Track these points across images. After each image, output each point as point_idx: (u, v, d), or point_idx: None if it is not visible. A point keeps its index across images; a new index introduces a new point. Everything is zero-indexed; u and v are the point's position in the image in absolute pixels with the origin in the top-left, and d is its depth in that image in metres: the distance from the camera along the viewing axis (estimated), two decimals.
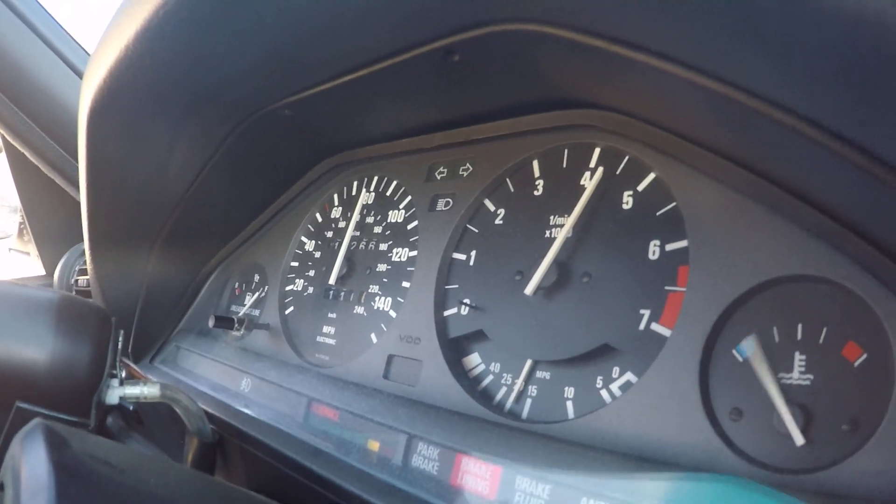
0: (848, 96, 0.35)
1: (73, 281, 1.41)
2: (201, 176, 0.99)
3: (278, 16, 0.60)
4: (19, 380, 0.73)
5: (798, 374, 0.51)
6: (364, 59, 0.69)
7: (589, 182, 0.71)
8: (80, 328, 0.79)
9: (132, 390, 0.83)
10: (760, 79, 0.39)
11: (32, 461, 0.47)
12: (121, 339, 0.85)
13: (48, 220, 1.57)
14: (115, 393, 0.83)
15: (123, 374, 0.85)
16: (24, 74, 1.28)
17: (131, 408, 1.16)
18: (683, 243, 0.61)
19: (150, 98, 0.77)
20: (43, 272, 1.61)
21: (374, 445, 0.71)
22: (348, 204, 1.05)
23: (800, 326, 0.53)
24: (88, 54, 1.36)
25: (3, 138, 1.43)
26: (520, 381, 0.70)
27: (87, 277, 1.18)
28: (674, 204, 0.64)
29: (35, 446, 0.48)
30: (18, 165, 1.48)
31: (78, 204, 1.04)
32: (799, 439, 0.48)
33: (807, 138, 0.39)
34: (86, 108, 0.77)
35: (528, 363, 0.70)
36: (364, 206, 1.00)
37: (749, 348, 0.54)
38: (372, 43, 0.66)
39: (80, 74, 1.33)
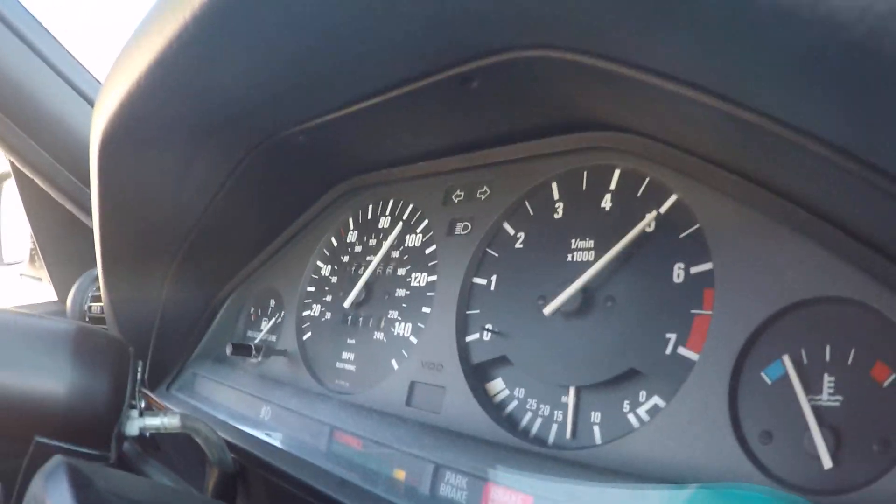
0: (878, 125, 0.35)
1: (86, 307, 1.41)
2: (215, 201, 0.99)
3: (295, 46, 0.60)
4: (37, 414, 0.72)
5: (827, 396, 0.51)
6: (381, 85, 0.69)
7: (609, 204, 0.71)
8: (98, 360, 0.79)
9: (152, 421, 0.83)
10: (790, 108, 0.39)
11: (55, 494, 0.46)
12: (139, 368, 0.84)
13: (60, 245, 1.56)
14: (136, 424, 0.82)
15: (143, 405, 0.84)
16: (34, 102, 1.27)
17: (148, 434, 1.16)
18: (708, 266, 0.61)
19: (163, 127, 0.77)
20: (55, 298, 1.61)
21: (401, 475, 0.71)
22: (364, 228, 1.05)
23: (828, 348, 0.52)
24: (98, 81, 1.37)
25: (13, 164, 1.43)
26: (548, 407, 0.70)
27: (101, 304, 1.18)
28: (697, 226, 0.63)
29: (59, 487, 0.48)
30: (28, 191, 1.48)
31: (90, 228, 1.03)
32: (827, 462, 0.48)
33: (835, 165, 0.39)
34: (97, 137, 0.77)
35: (559, 389, 0.69)
36: (382, 231, 1.00)
37: (778, 371, 0.54)
38: (389, 70, 0.66)
39: (90, 102, 1.33)
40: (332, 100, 0.75)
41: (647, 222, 0.66)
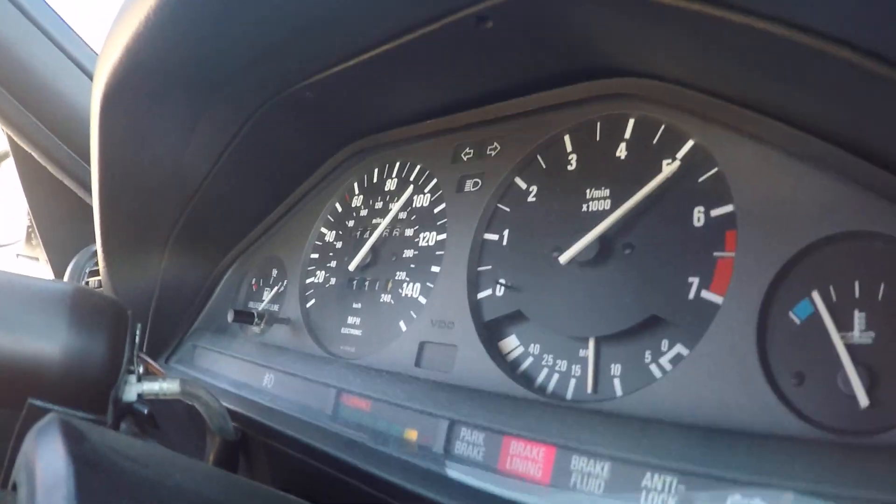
0: None
1: (83, 283, 1.39)
2: (217, 167, 0.97)
3: None
4: (31, 375, 0.70)
5: (859, 333, 0.49)
6: (396, 29, 0.68)
7: (624, 153, 0.69)
8: (96, 321, 0.76)
9: (151, 386, 0.80)
10: (820, 13, 0.38)
11: (48, 456, 0.43)
12: (138, 332, 0.82)
13: (57, 225, 1.56)
14: (133, 389, 0.80)
15: (141, 370, 0.82)
16: (33, 75, 1.27)
17: (146, 411, 1.13)
18: (729, 208, 0.60)
19: (169, 78, 0.75)
20: (52, 277, 1.60)
21: (413, 434, 0.69)
22: (370, 192, 1.03)
23: (857, 284, 0.51)
24: (97, 55, 1.35)
25: (11, 141, 1.42)
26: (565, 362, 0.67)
27: (98, 279, 1.16)
28: (716, 169, 0.62)
29: (51, 440, 0.45)
30: (26, 169, 1.48)
31: (87, 206, 1.02)
32: (864, 400, 0.47)
33: (865, 73, 0.38)
34: (100, 90, 0.75)
35: (576, 343, 0.67)
36: (388, 193, 0.98)
37: (807, 310, 0.52)
38: (404, 11, 0.64)
39: (89, 75, 1.32)
40: (342, 47, 0.74)
41: (670, 171, 0.64)
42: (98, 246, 1.03)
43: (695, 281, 0.60)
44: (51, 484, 0.40)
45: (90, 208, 1.01)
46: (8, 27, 1.23)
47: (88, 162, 0.91)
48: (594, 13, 0.57)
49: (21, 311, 0.73)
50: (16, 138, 1.37)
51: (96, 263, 1.28)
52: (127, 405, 0.84)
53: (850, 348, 0.49)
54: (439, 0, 0.61)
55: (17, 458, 0.48)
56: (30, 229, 1.74)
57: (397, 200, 0.95)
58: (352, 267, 0.94)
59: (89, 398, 0.74)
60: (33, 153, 1.37)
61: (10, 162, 1.57)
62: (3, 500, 0.47)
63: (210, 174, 0.98)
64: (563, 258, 0.68)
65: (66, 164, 1.36)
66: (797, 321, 0.53)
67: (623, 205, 0.66)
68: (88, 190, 1.40)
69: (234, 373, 1.00)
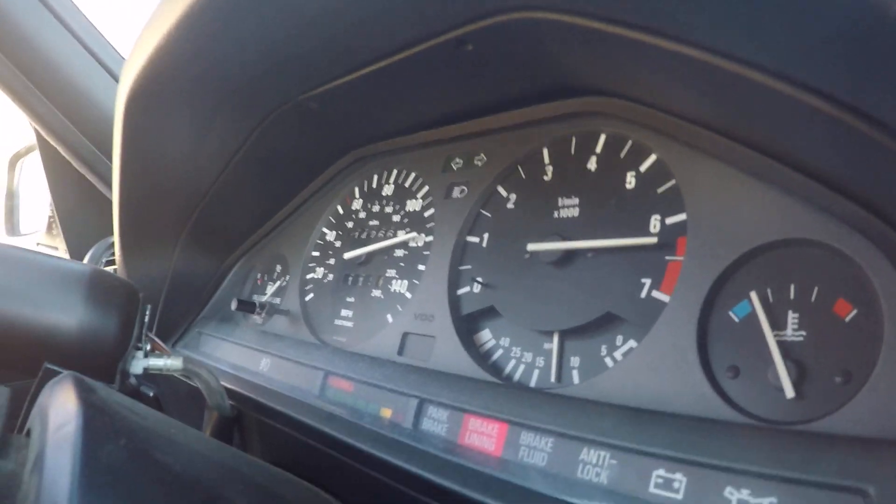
0: (843, 63, 0.38)
1: None
2: (228, 169, 1.04)
3: (309, 9, 0.65)
4: (49, 343, 0.77)
5: (792, 331, 0.54)
6: (385, 50, 0.74)
7: (594, 166, 0.76)
8: (110, 299, 0.83)
9: (156, 362, 0.87)
10: (761, 50, 0.42)
11: (61, 399, 0.48)
12: (147, 313, 0.89)
13: (77, 216, 1.62)
14: (140, 364, 0.86)
15: (148, 348, 0.89)
16: (63, 75, 1.34)
17: (152, 394, 1.20)
18: (682, 216, 0.64)
19: (187, 86, 0.81)
20: None
21: (387, 412, 0.74)
22: (369, 196, 1.09)
23: (792, 287, 0.55)
24: (123, 58, 1.43)
25: (38, 135, 1.50)
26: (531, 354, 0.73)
27: (113, 269, 1.23)
28: (673, 181, 0.67)
29: (64, 389, 0.50)
30: (51, 162, 1.54)
31: (106, 200, 1.08)
32: (790, 392, 0.51)
33: (802, 105, 0.42)
34: (125, 92, 0.82)
35: (542, 336, 0.73)
36: (385, 198, 1.05)
37: (745, 309, 0.57)
38: (390, 35, 0.71)
39: (115, 78, 1.40)
40: (340, 64, 0.80)
41: (633, 183, 0.71)
42: (115, 237, 1.10)
43: (647, 282, 0.65)
44: (61, 421, 0.45)
45: (109, 202, 1.08)
46: (40, 28, 1.31)
47: (110, 158, 0.98)
48: (557, 40, 0.64)
49: (44, 286, 0.79)
50: (44, 133, 1.44)
51: (112, 254, 1.35)
52: (135, 388, 0.91)
53: (783, 345, 0.53)
54: (422, 27, 0.68)
55: (34, 409, 0.54)
56: (51, 219, 1.81)
57: (392, 204, 1.02)
58: (346, 256, 1.01)
59: (99, 367, 0.80)
60: (59, 148, 1.44)
61: (35, 155, 1.64)
62: (18, 443, 0.52)
63: (221, 175, 1.04)
64: (532, 247, 0.75)
65: (89, 159, 1.44)
66: (736, 319, 0.57)
67: (587, 210, 0.72)
68: (109, 185, 1.47)
69: (235, 357, 1.06)
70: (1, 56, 1.30)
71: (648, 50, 0.51)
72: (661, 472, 0.50)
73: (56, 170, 1.56)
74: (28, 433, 0.50)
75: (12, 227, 2.11)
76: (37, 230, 1.93)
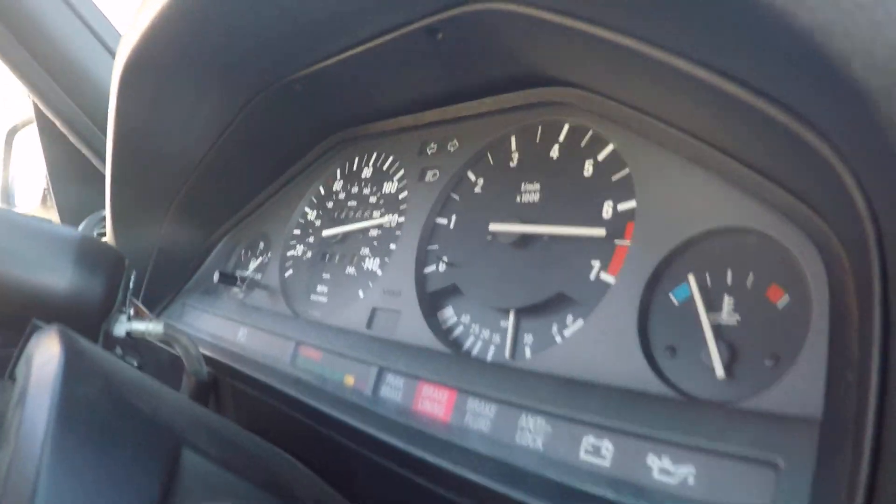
0: (746, 50, 0.41)
1: None
2: (216, 146, 1.08)
3: None
4: (38, 301, 0.81)
5: (727, 315, 0.56)
6: (360, 36, 0.78)
7: (557, 154, 0.80)
8: (97, 264, 0.88)
9: (138, 326, 0.91)
10: (681, 36, 0.46)
11: (46, 345, 0.52)
12: (132, 279, 0.93)
13: (71, 189, 1.67)
14: (123, 327, 0.91)
15: (132, 312, 0.93)
16: (62, 50, 1.38)
17: (136, 363, 1.24)
18: (632, 203, 0.68)
19: (179, 62, 0.85)
20: None
21: (350, 380, 0.79)
22: (349, 177, 1.13)
23: (729, 272, 0.58)
24: (121, 35, 1.47)
25: (36, 109, 1.54)
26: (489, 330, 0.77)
27: (104, 240, 1.27)
28: (627, 170, 0.70)
29: (49, 337, 0.53)
30: (48, 136, 1.59)
31: (101, 174, 1.11)
32: (720, 372, 0.53)
33: (724, 92, 0.45)
34: (120, 67, 0.85)
35: (500, 314, 0.77)
36: (364, 180, 1.09)
37: (684, 292, 0.60)
38: (365, 22, 0.75)
39: (112, 53, 1.43)
40: (321, 48, 0.84)
41: (590, 170, 0.75)
42: (107, 208, 1.14)
43: (597, 264, 0.69)
44: (44, 362, 0.48)
45: (103, 177, 1.12)
46: (46, 7, 1.34)
47: (105, 132, 1.01)
48: (520, 31, 0.67)
49: (36, 248, 0.84)
50: (42, 107, 1.48)
51: (104, 227, 1.39)
52: (119, 357, 0.95)
53: (718, 328, 0.56)
54: (393, 13, 0.72)
55: (21, 359, 0.57)
56: (45, 192, 1.85)
57: (370, 185, 1.06)
58: (325, 234, 1.06)
59: (84, 327, 0.83)
60: (56, 121, 1.48)
61: (32, 129, 1.68)
62: (3, 386, 0.56)
63: (209, 152, 1.08)
64: (493, 227, 0.79)
65: (85, 133, 1.48)
66: (676, 302, 0.60)
67: (546, 195, 0.76)
68: (103, 158, 1.52)
69: (215, 327, 1.11)
70: (4, 29, 1.34)
71: (600, 41, 0.54)
72: (591, 438, 0.54)
73: (52, 143, 1.60)
74: (14, 378, 0.54)
75: (8, 200, 2.15)
76: (32, 203, 1.97)
